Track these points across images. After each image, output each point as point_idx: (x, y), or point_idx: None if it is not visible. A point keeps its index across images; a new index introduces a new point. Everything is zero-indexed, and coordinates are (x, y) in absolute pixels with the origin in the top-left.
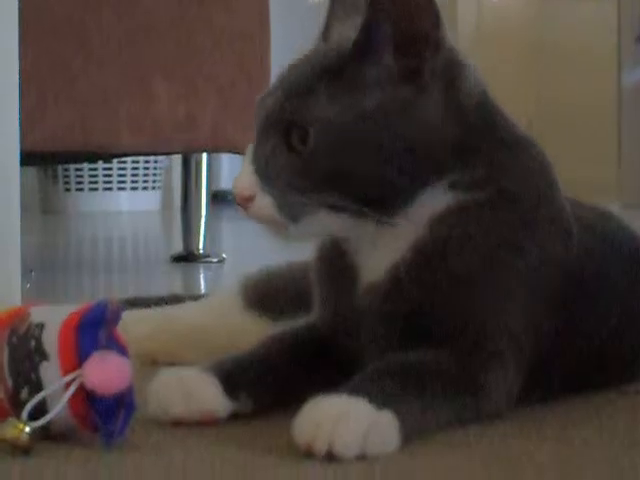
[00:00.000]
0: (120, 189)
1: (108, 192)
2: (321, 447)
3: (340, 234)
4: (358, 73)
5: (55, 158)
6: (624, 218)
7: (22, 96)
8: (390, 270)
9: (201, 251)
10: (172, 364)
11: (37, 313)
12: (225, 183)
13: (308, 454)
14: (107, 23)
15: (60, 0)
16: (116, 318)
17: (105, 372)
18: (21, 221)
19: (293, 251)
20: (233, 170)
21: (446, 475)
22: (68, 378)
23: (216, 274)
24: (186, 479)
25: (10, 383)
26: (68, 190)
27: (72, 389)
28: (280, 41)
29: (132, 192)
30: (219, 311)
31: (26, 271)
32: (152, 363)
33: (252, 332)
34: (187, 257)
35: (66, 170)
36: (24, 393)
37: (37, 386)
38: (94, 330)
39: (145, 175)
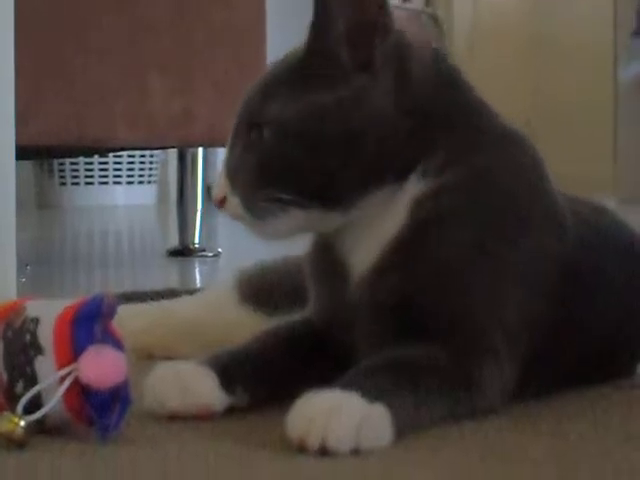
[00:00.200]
0: (116, 183)
1: (104, 186)
2: (314, 442)
3: (310, 231)
4: (313, 71)
5: (51, 152)
6: (620, 213)
7: (17, 90)
8: (375, 262)
9: (197, 245)
10: (168, 358)
11: (32, 307)
12: None
13: (301, 449)
14: (103, 18)
15: None
16: (111, 312)
17: (100, 366)
18: (16, 215)
19: (288, 246)
20: None
21: (441, 469)
22: (63, 372)
23: (212, 268)
24: (181, 473)
25: (5, 377)
26: (64, 184)
27: (67, 383)
28: (276, 36)
29: (128, 186)
30: (214, 305)
31: (22, 265)
32: (148, 357)
33: (247, 326)
34: (183, 251)
35: (62, 164)
36: (19, 387)
37: (32, 380)
38: (89, 324)
39: (141, 169)
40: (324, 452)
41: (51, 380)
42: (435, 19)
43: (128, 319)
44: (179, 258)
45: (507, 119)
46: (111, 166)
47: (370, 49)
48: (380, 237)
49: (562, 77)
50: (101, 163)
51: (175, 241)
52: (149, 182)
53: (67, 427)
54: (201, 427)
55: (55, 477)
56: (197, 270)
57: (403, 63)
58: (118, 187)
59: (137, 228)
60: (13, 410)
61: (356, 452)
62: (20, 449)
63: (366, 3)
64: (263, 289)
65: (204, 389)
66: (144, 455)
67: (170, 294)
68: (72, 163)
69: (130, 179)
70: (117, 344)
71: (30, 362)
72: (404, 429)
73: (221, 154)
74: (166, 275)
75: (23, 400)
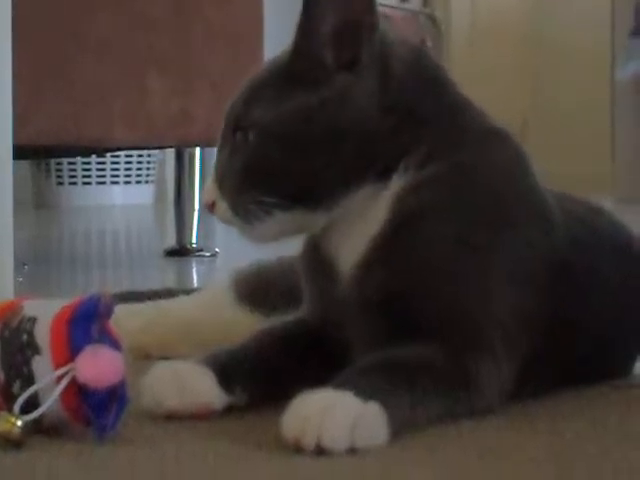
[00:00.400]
0: (113, 183)
1: (101, 186)
2: (309, 442)
3: (296, 233)
4: (296, 73)
5: (48, 152)
6: (618, 212)
7: (15, 90)
8: (360, 259)
9: (194, 245)
10: (165, 358)
11: (29, 307)
12: None
13: (298, 449)
14: (101, 18)
15: None
16: (108, 312)
17: (97, 366)
18: (14, 215)
19: (284, 245)
20: None
21: (439, 468)
22: (60, 372)
23: (209, 268)
24: (179, 473)
25: (2, 377)
26: (61, 184)
27: (64, 383)
28: (274, 36)
29: (125, 186)
30: (211, 305)
31: (19, 265)
32: (145, 357)
33: (244, 326)
34: (180, 251)
35: (59, 164)
36: (16, 387)
37: (29, 380)
38: (86, 324)
39: (138, 169)
40: (320, 452)
41: (48, 380)
42: (433, 19)
43: (125, 319)
44: (176, 258)
45: (494, 118)
46: (108, 166)
47: (357, 48)
48: (364, 234)
49: (560, 77)
50: (98, 163)
51: (172, 241)
52: (146, 182)
53: (64, 427)
54: (198, 427)
55: (52, 477)
56: (194, 270)
57: (386, 62)
58: (115, 187)
59: (134, 228)
60: (10, 410)
61: (353, 451)
62: (17, 449)
63: (354, 2)
64: (259, 289)
65: (203, 388)
66: (141, 455)
67: (167, 294)
68: (69, 163)
69: (127, 179)
70: (114, 344)
71: (27, 362)
72: (400, 428)
73: None
74: (163, 275)
75: (20, 400)
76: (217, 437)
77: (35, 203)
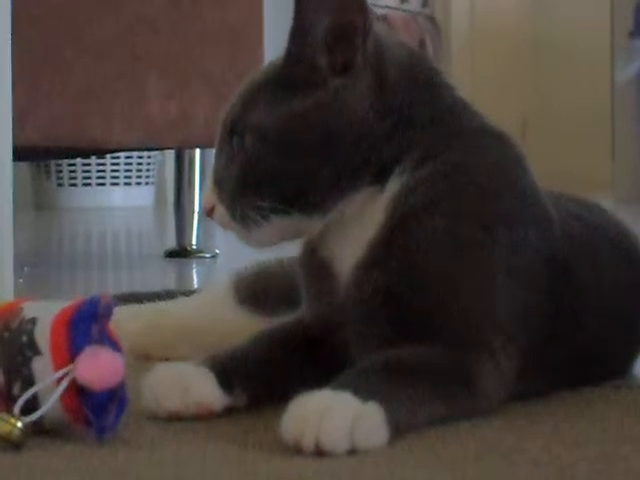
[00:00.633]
0: (113, 184)
1: (101, 187)
2: (308, 443)
3: (294, 237)
4: (291, 77)
5: (48, 153)
6: (618, 213)
7: (15, 92)
8: (358, 261)
9: (194, 246)
10: (165, 359)
11: (29, 308)
12: None
13: (297, 450)
14: (100, 19)
15: None
16: (108, 313)
17: (97, 367)
18: (14, 216)
19: (284, 247)
20: None
21: (438, 469)
22: (60, 373)
23: (209, 269)
24: (178, 474)
25: (2, 378)
26: (61, 185)
27: (64, 384)
28: (274, 36)
29: (125, 187)
30: (211, 306)
31: (19, 267)
32: (145, 358)
33: (244, 327)
34: (180, 253)
35: (59, 165)
36: (16, 388)
37: (29, 381)
38: (86, 325)
39: (138, 170)
40: (320, 452)
41: (48, 381)
42: (432, 20)
43: (125, 320)
44: (176, 259)
45: (493, 119)
46: (108, 167)
47: (351, 51)
48: (361, 236)
49: (560, 78)
50: (98, 164)
51: (172, 242)
52: (147, 183)
53: (64, 428)
54: (198, 428)
55: (52, 478)
56: (195, 271)
57: (381, 65)
58: (115, 188)
59: (134, 229)
60: (10, 411)
61: (352, 452)
62: (17, 450)
63: (346, 5)
64: (259, 290)
65: (203, 389)
66: (141, 456)
67: (167, 295)
68: (69, 164)
69: (127, 180)
70: (114, 345)
71: (27, 363)
72: (400, 428)
73: None
74: (164, 276)
75: (20, 401)
76: (217, 438)
77: (35, 205)
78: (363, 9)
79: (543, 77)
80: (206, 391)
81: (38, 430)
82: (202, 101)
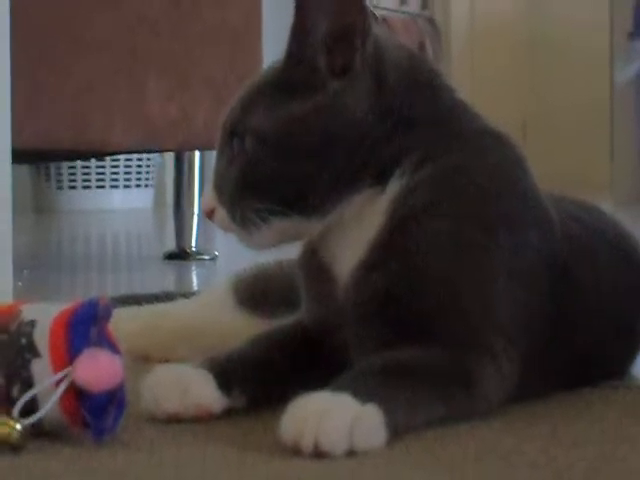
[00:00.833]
0: (113, 187)
1: (101, 190)
2: (307, 444)
3: (294, 239)
4: (291, 80)
5: (47, 156)
6: (617, 214)
7: (14, 94)
8: (358, 263)
9: (194, 249)
10: (164, 361)
11: (28, 310)
12: None
13: (296, 452)
14: (99, 21)
15: None
16: (107, 315)
17: (96, 369)
18: (13, 219)
19: (284, 249)
20: None
21: (437, 471)
22: (59, 375)
23: (209, 272)
24: (177, 476)
25: (1, 380)
26: (61, 188)
27: (63, 387)
28: (273, 37)
29: (125, 190)
30: (210, 308)
31: (18, 270)
32: (144, 360)
33: (243, 329)
34: (180, 255)
35: (58, 168)
36: (15, 390)
37: (28, 383)
38: (85, 327)
39: (138, 173)
40: (319, 454)
41: (47, 383)
42: (432, 22)
43: (124, 322)
44: (176, 261)
45: (493, 121)
46: (108, 170)
47: (351, 53)
48: (361, 238)
49: (559, 79)
50: (98, 167)
51: (172, 244)
52: (146, 186)
53: (63, 430)
54: (197, 430)
55: None
56: (194, 273)
57: (380, 67)
58: (115, 190)
59: (134, 232)
60: (9, 413)
61: (351, 453)
62: (16, 453)
63: (346, 6)
64: (258, 292)
65: (202, 391)
66: (141, 458)
67: (167, 297)
68: (69, 167)
69: (127, 182)
70: (113, 347)
71: (26, 365)
72: (398, 430)
73: None
74: (163, 278)
75: (19, 404)
76: (216, 440)
77: (35, 207)
78: (362, 11)
79: (542, 78)
80: (205, 393)
81: (37, 432)
82: (202, 103)
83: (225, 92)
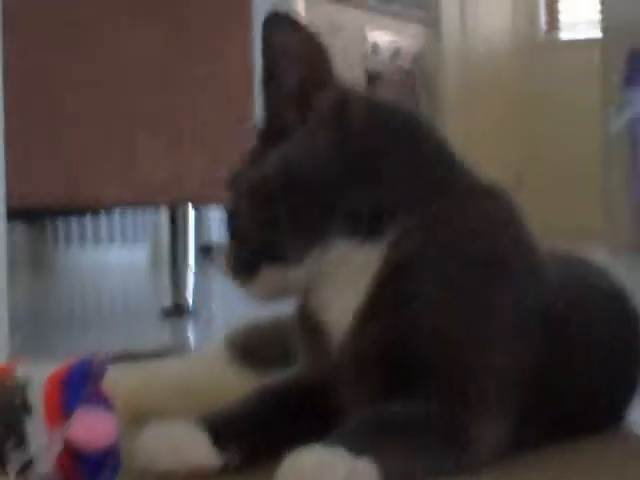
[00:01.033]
0: (109, 242)
1: (97, 246)
2: None
3: (290, 291)
4: (270, 134)
5: (43, 213)
6: (609, 264)
7: (7, 152)
8: (354, 315)
9: (190, 305)
10: (159, 418)
11: (23, 369)
12: (215, 236)
13: None
14: (90, 78)
15: (43, 55)
16: (101, 373)
17: (90, 428)
18: (9, 276)
19: (281, 304)
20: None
21: None
22: (53, 434)
23: (205, 328)
24: None
25: None
26: (57, 245)
27: (57, 445)
28: None
29: (121, 246)
30: (206, 365)
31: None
32: (139, 417)
33: (238, 385)
34: (176, 311)
35: (54, 224)
36: (9, 445)
37: (21, 439)
38: (79, 385)
39: (134, 228)
40: None
41: (41, 442)
42: (425, 75)
43: (119, 379)
44: (172, 318)
45: (485, 172)
46: (104, 226)
47: (312, 105)
48: (353, 289)
49: (553, 130)
50: (94, 224)
51: (168, 301)
52: (142, 241)
53: None
54: None
55: None
56: (191, 330)
57: (341, 118)
58: (111, 247)
59: (131, 288)
60: (3, 467)
61: None
62: None
63: (312, 61)
64: (253, 348)
65: (197, 448)
66: None
67: (163, 354)
68: (65, 223)
69: (123, 238)
70: (107, 404)
71: (20, 422)
72: None
73: (212, 212)
74: (159, 335)
75: (14, 465)
76: None
77: (31, 264)
78: (325, 64)
79: (537, 131)
80: (199, 450)
81: None
82: (194, 158)
83: (217, 147)
